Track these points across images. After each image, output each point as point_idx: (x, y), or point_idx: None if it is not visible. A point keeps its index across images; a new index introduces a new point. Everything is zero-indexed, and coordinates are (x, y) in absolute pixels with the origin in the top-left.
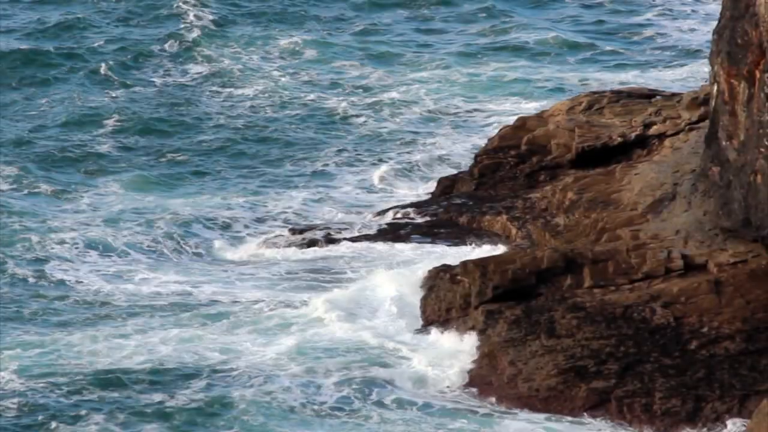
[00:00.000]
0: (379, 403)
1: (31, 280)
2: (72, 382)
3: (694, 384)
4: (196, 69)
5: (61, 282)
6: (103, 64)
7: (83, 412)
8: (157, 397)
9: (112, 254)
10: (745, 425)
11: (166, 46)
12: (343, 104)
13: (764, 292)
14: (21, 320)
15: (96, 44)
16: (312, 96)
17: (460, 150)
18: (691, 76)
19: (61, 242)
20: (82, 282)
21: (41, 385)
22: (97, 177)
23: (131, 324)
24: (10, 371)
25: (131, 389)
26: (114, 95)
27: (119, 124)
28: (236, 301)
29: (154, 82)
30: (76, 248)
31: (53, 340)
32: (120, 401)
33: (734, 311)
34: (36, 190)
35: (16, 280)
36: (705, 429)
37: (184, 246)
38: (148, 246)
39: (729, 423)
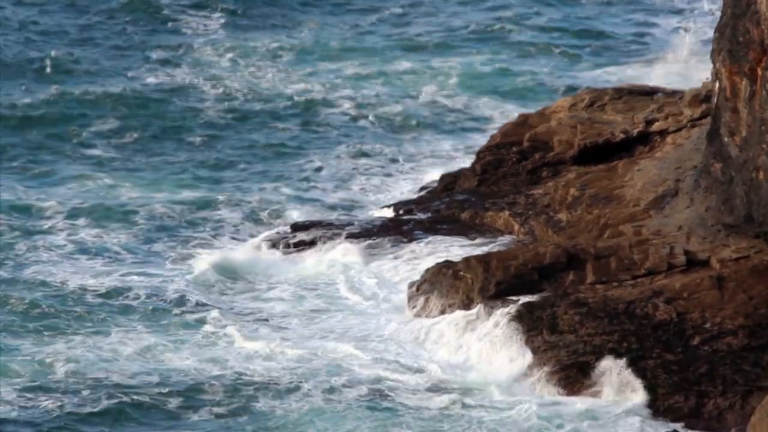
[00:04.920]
0: (382, 394)
1: (17, 282)
2: (70, 394)
3: (696, 380)
4: (184, 69)
5: (50, 285)
6: (90, 62)
7: (85, 428)
8: (168, 408)
9: (106, 256)
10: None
11: (155, 45)
12: (339, 101)
13: (766, 287)
14: (9, 325)
15: (89, 42)
16: (306, 94)
17: (459, 146)
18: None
19: (49, 242)
20: (71, 285)
21: (38, 396)
22: (87, 175)
23: (130, 330)
24: (4, 383)
25: (135, 400)
26: (103, 93)
27: (109, 121)
28: (245, 304)
29: (143, 80)
30: (65, 249)
31: (43, 347)
32: (125, 412)
33: (737, 307)
34: (22, 188)
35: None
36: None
37: (183, 247)
38: (143, 248)
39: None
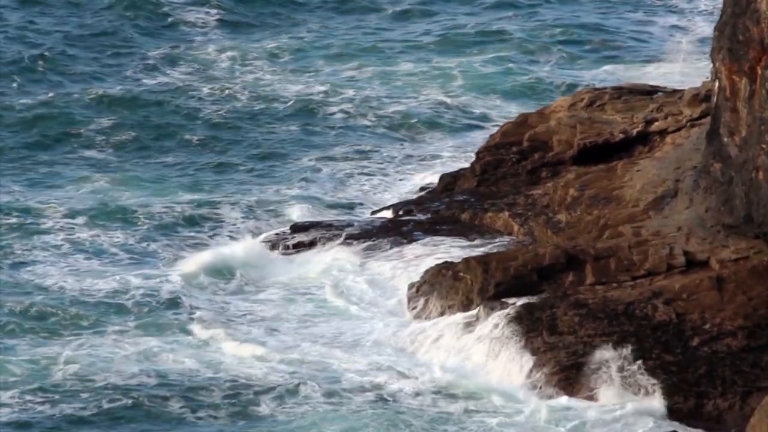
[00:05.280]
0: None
1: (14, 283)
2: (67, 396)
3: (695, 381)
4: (183, 69)
5: (47, 286)
6: (87, 62)
7: (83, 431)
8: (167, 411)
9: (103, 258)
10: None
11: (154, 45)
12: (338, 101)
13: (766, 288)
14: (5, 326)
15: (82, 43)
16: (305, 94)
17: (459, 146)
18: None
19: (46, 243)
20: (68, 286)
21: (36, 398)
22: (85, 176)
23: (127, 331)
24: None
25: (133, 403)
26: (101, 93)
27: (107, 122)
28: (243, 307)
29: (141, 81)
30: (63, 251)
31: (40, 349)
32: (123, 415)
33: (736, 308)
34: (19, 187)
35: None
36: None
37: (181, 248)
38: (141, 249)
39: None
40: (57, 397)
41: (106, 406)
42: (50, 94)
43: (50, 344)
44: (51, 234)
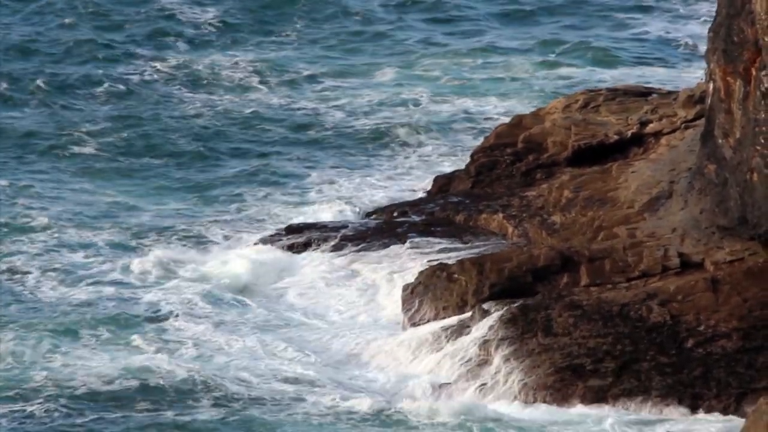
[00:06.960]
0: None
1: None
2: (49, 404)
3: (690, 382)
4: (174, 72)
5: (27, 288)
6: (78, 67)
7: None
8: (157, 421)
9: (88, 262)
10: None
11: (145, 49)
12: (330, 107)
13: (761, 290)
14: None
15: (77, 47)
16: (298, 99)
17: (453, 148)
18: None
19: (30, 248)
20: (50, 289)
21: (14, 406)
22: (75, 182)
23: (111, 337)
24: None
25: (119, 409)
26: (90, 97)
27: (97, 127)
28: (238, 311)
29: (133, 87)
30: (47, 254)
31: (21, 354)
32: (103, 421)
33: (731, 309)
34: (4, 195)
35: None
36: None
37: (170, 253)
38: (129, 253)
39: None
40: (40, 400)
41: (87, 413)
42: (40, 100)
43: (31, 350)
44: (35, 238)
